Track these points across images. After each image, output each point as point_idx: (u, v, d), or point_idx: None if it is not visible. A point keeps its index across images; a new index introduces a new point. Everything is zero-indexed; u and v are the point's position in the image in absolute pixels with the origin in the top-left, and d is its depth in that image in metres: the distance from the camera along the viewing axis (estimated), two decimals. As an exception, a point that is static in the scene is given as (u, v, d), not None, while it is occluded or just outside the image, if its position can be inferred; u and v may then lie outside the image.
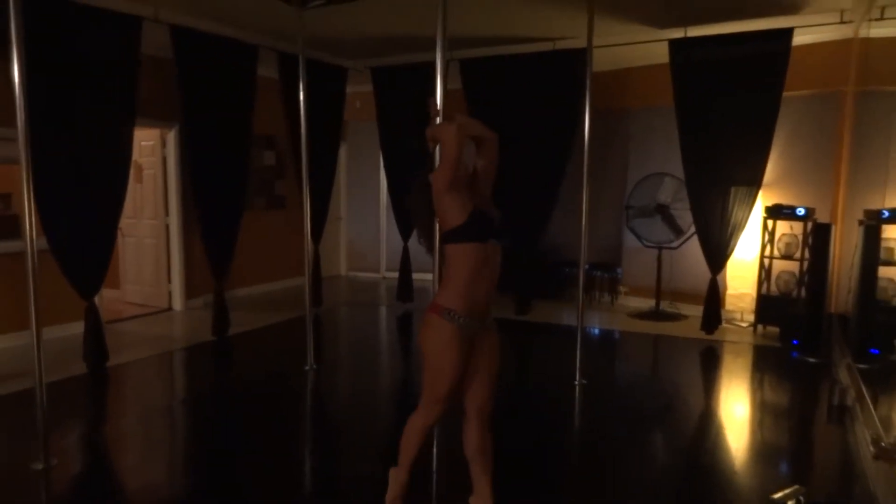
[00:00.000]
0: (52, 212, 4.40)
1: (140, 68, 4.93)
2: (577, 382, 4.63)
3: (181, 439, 3.99)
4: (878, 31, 4.76)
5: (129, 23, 4.81)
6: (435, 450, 2.78)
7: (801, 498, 2.76)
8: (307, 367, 4.93)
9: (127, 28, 4.81)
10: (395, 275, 7.66)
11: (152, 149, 6.88)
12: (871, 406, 3.57)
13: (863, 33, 5.22)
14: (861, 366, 4.28)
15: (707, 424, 4.19)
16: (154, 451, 3.72)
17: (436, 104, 2.64)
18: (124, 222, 5.01)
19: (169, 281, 7.00)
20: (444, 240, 2.45)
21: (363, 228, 9.46)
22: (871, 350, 4.61)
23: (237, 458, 3.53)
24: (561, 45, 6.14)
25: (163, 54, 5.44)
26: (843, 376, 4.42)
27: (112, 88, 4.76)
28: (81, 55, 4.52)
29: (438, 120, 2.60)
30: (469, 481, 2.68)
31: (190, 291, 7.05)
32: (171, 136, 6.78)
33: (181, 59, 5.36)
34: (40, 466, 3.19)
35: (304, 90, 4.83)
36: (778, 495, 2.78)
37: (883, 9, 4.44)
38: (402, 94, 6.97)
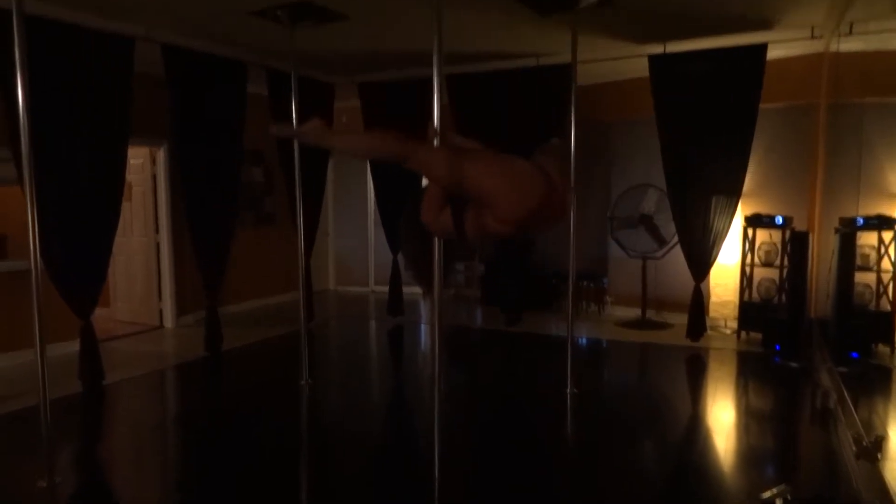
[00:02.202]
0: (48, 232, 4.39)
1: (133, 88, 4.99)
2: (568, 391, 4.74)
3: (182, 456, 4.02)
4: (848, 45, 4.95)
5: (122, 44, 4.87)
6: (437, 438, 2.84)
7: (788, 496, 2.89)
8: (303, 382, 4.98)
9: (121, 49, 4.87)
10: (384, 288, 7.72)
11: (142, 166, 6.92)
12: (853, 408, 3.71)
13: (833, 47, 5.42)
14: (841, 369, 4.41)
15: (695, 429, 4.31)
16: (155, 469, 3.76)
17: (434, 128, 2.61)
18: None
19: (160, 298, 7.01)
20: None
21: (351, 243, 9.52)
22: (851, 354, 4.77)
23: (238, 472, 3.57)
24: (545, 60, 6.29)
25: (149, 70, 5.37)
26: (825, 380, 4.56)
27: (106, 108, 4.80)
28: (76, 76, 4.56)
29: (435, 141, 2.63)
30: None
31: (181, 309, 7.07)
32: (161, 154, 6.82)
33: (172, 77, 5.41)
34: (45, 484, 3.22)
35: (295, 108, 4.92)
36: (766, 494, 2.91)
37: (851, 24, 4.63)
38: (390, 109, 7.07)
